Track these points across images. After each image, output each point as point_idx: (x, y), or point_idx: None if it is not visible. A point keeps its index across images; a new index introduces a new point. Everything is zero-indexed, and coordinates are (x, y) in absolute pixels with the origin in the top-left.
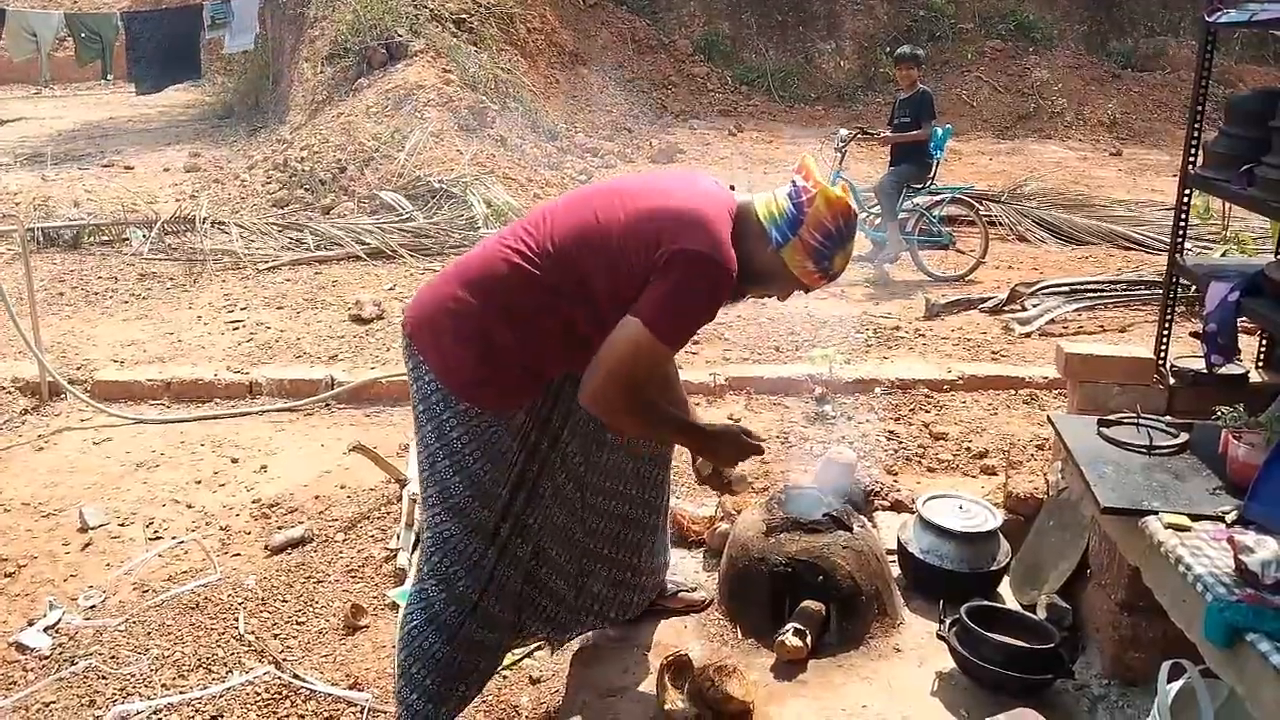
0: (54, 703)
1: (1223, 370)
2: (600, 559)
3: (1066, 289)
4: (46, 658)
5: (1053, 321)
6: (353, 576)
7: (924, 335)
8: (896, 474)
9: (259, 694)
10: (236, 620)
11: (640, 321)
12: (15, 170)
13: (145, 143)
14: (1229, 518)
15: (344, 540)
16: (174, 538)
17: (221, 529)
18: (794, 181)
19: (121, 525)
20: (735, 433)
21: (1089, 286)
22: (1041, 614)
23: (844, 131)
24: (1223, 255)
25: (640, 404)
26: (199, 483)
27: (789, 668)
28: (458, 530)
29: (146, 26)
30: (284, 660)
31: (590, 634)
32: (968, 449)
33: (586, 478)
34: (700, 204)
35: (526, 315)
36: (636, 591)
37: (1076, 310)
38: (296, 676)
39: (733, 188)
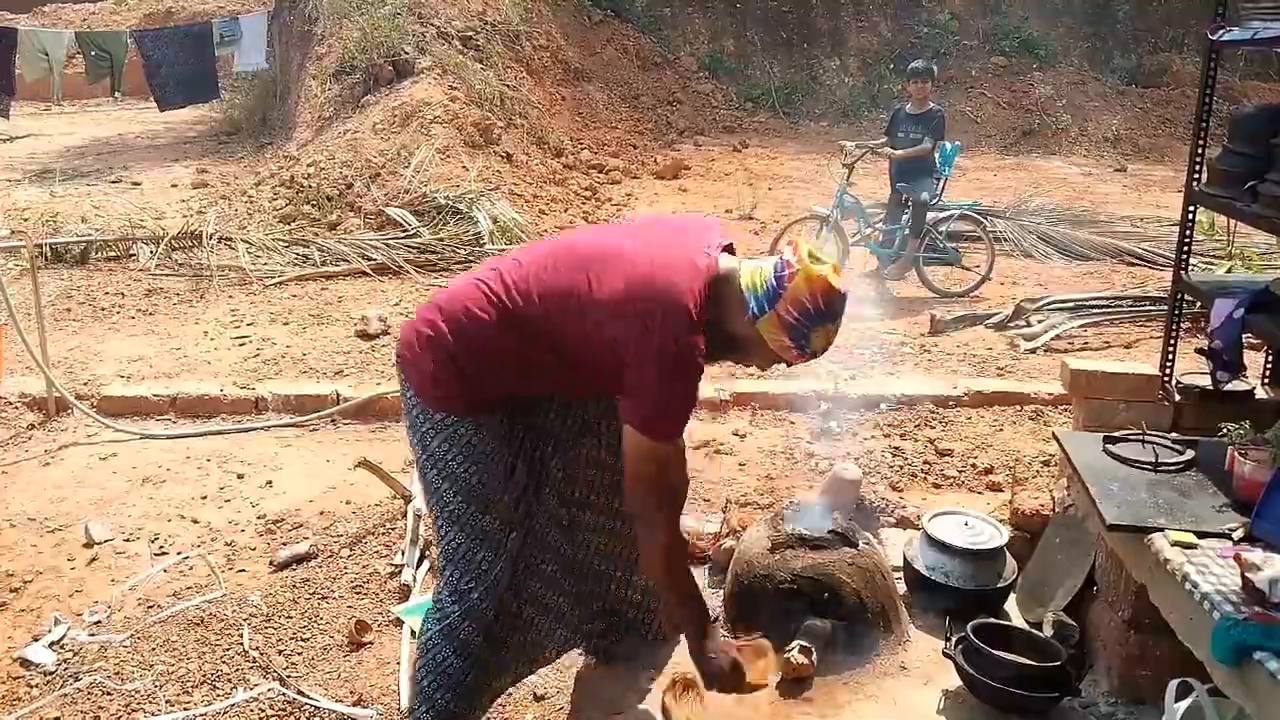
0: (59, 719)
1: (1228, 386)
2: (597, 576)
3: (1072, 305)
4: (51, 674)
5: (1058, 337)
6: (357, 592)
7: (929, 351)
8: (902, 490)
9: (264, 710)
10: (241, 636)
11: (636, 432)
12: (24, 186)
13: (153, 159)
14: (1236, 535)
15: (349, 556)
16: (179, 553)
17: (227, 545)
18: (783, 255)
19: (127, 541)
20: (736, 666)
21: (1094, 302)
22: (1048, 632)
23: (851, 146)
24: (1228, 271)
25: (670, 511)
26: (204, 498)
27: (795, 685)
28: (463, 539)
29: (157, 44)
30: (288, 676)
31: (594, 652)
32: (973, 465)
33: (572, 494)
34: (676, 276)
35: (487, 349)
36: (644, 614)
37: (1082, 326)
38: (301, 693)
39: (730, 248)
